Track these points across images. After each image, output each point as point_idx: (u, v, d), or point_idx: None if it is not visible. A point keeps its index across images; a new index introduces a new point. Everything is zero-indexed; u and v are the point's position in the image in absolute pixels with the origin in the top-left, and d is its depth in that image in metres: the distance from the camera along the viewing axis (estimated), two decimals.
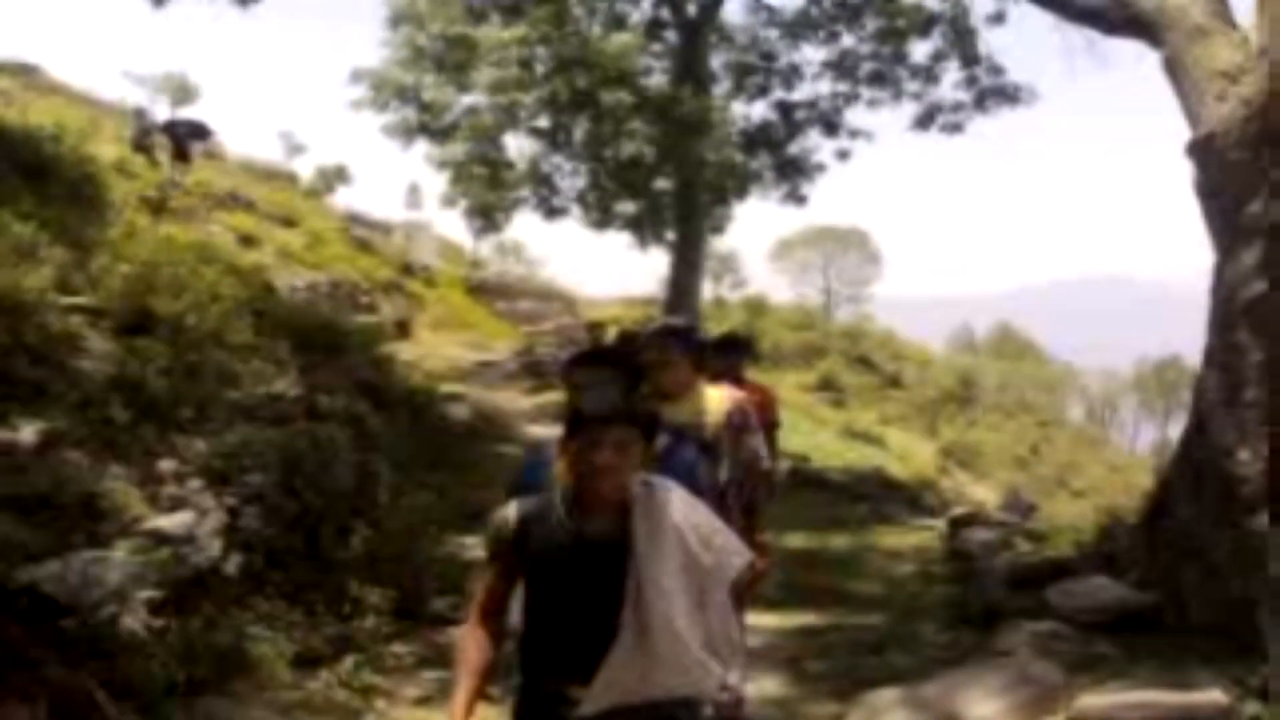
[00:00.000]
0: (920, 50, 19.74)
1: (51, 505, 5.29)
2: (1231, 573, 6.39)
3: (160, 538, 5.59)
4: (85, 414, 6.16)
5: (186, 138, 19.16)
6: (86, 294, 7.65)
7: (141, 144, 18.46)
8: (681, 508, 2.92)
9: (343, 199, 31.90)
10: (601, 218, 21.41)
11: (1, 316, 6.41)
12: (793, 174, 21.17)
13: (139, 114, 20.87)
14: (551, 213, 21.66)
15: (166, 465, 6.28)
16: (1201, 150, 7.07)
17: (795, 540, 10.70)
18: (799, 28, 20.28)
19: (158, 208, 15.04)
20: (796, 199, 21.34)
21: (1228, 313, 6.81)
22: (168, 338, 7.60)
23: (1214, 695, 5.13)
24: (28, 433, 5.70)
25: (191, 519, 5.89)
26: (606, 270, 44.64)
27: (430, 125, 20.56)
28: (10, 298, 6.61)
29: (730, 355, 6.29)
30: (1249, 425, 6.48)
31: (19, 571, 4.75)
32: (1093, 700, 5.16)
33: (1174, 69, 7.44)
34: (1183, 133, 7.41)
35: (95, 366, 6.71)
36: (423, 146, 21.01)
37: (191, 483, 6.25)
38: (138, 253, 8.96)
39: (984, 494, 26.74)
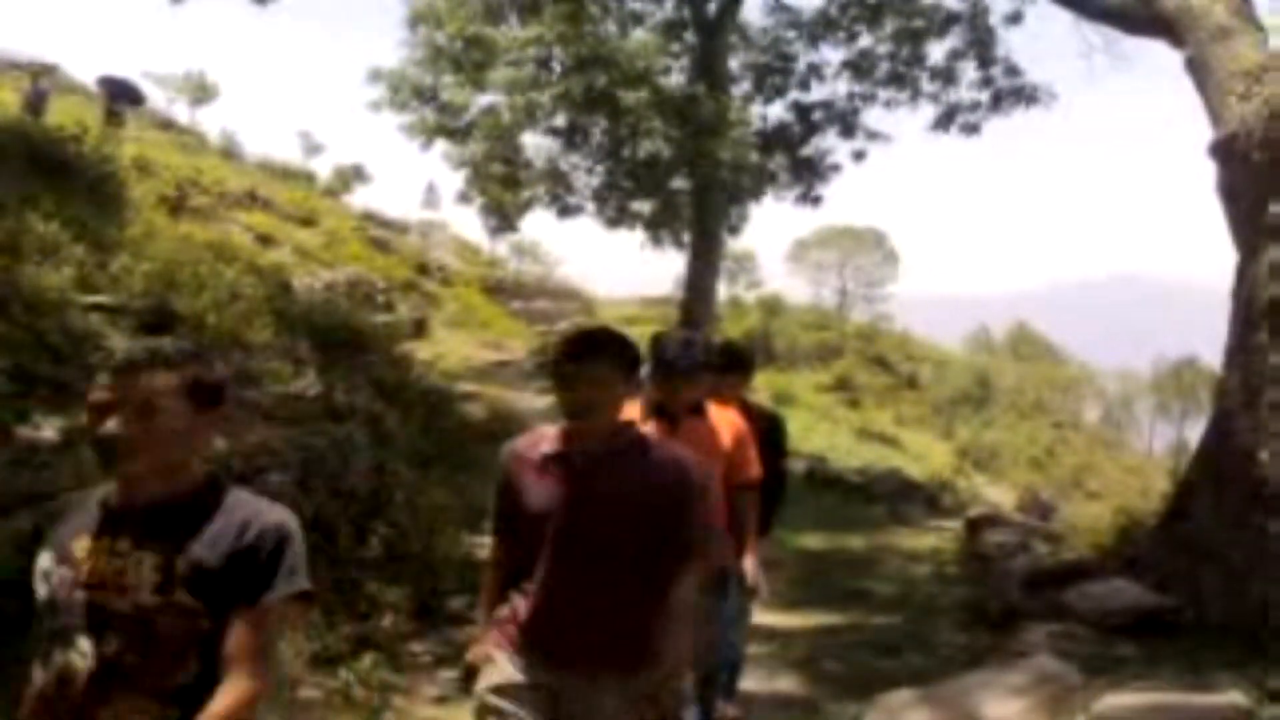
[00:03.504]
0: (938, 51, 19.68)
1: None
2: (1251, 575, 6.36)
3: None
4: None
5: (116, 98, 18.75)
6: (107, 292, 7.69)
7: (34, 105, 18.00)
8: None
9: (360, 198, 32.06)
10: (617, 216, 21.42)
11: (24, 315, 6.45)
12: (807, 175, 21.12)
13: (36, 73, 19.95)
14: (565, 211, 21.69)
15: None
16: (1224, 150, 7.04)
17: (812, 540, 10.70)
18: (818, 28, 20.23)
19: (176, 206, 15.12)
20: (811, 200, 21.30)
21: (1249, 313, 6.78)
22: (188, 336, 7.63)
23: (1233, 697, 5.11)
24: (50, 430, 5.73)
25: None
26: (622, 270, 44.65)
27: (448, 125, 20.61)
28: (33, 296, 6.66)
29: (725, 372, 4.77)
30: (1270, 427, 6.45)
31: None
32: (1112, 701, 5.13)
33: (1197, 68, 7.42)
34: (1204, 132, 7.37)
35: None
36: (440, 146, 21.07)
37: None
38: (158, 251, 9.02)
39: (1000, 495, 26.64)
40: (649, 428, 4.09)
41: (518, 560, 2.99)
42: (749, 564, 4.49)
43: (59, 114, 15.36)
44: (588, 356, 2.86)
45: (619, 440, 2.96)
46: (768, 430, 5.03)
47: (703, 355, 4.25)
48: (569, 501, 2.89)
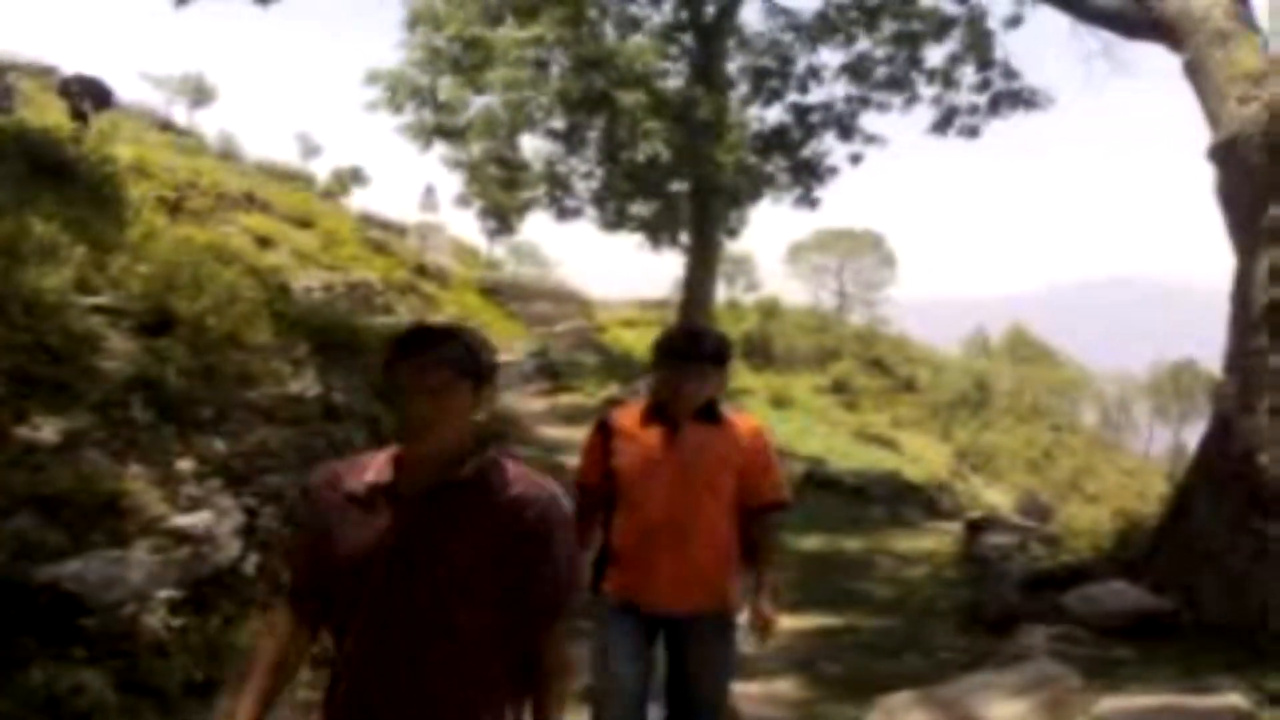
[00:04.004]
0: (936, 54, 19.73)
1: (72, 504, 5.31)
2: (1250, 577, 6.38)
3: (180, 537, 5.61)
4: (106, 413, 6.19)
5: (80, 96, 18.75)
6: (107, 294, 7.68)
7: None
8: None
9: (358, 200, 32.03)
10: (616, 219, 21.46)
11: (24, 316, 6.45)
12: (805, 177, 21.16)
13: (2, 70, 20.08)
14: (564, 214, 21.73)
15: (186, 465, 6.30)
16: (1223, 154, 7.06)
17: (810, 542, 10.71)
18: (816, 31, 20.26)
19: (175, 208, 15.11)
20: (809, 202, 21.35)
21: (1248, 316, 6.79)
22: (187, 338, 7.63)
23: (1232, 700, 5.11)
24: (49, 432, 5.73)
25: (211, 518, 5.91)
26: (620, 273, 44.68)
27: (446, 126, 20.64)
28: (32, 298, 6.66)
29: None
30: (1269, 430, 6.47)
31: (40, 570, 4.77)
32: (1110, 704, 5.14)
33: (1195, 72, 7.44)
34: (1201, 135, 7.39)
35: (116, 366, 6.73)
36: (439, 148, 21.11)
37: (211, 482, 6.27)
38: (157, 253, 9.01)
39: (997, 498, 26.68)
40: (647, 434, 3.71)
41: (321, 630, 2.38)
42: (764, 603, 3.74)
43: (60, 115, 15.36)
44: (424, 359, 2.23)
45: (463, 469, 2.27)
46: None
47: (714, 349, 3.75)
48: (392, 550, 2.23)
